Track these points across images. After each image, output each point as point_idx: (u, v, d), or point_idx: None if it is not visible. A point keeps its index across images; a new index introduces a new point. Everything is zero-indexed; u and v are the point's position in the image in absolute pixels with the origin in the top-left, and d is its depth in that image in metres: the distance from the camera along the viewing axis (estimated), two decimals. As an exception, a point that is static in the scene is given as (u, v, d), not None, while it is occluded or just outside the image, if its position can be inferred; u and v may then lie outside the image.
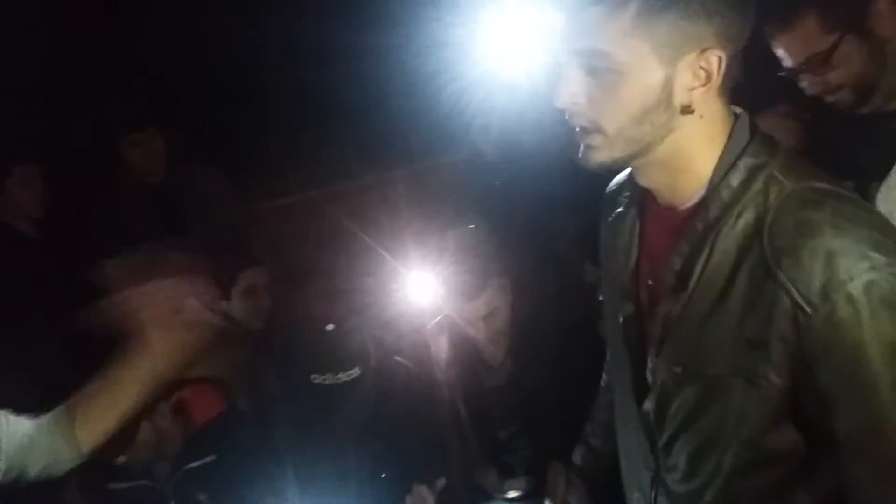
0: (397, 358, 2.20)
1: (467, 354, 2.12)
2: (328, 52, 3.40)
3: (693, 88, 0.94)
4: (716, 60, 0.93)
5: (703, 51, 0.92)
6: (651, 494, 1.12)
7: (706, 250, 0.97)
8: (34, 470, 1.17)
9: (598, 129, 0.96)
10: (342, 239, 2.82)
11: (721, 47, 0.93)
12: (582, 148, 1.00)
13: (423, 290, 2.27)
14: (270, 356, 2.34)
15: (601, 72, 0.94)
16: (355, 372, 2.00)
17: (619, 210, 1.15)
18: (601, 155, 0.98)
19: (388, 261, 2.38)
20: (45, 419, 1.18)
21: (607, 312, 1.19)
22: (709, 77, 0.94)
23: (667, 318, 1.02)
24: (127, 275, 1.19)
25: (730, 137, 0.99)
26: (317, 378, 1.98)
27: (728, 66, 0.94)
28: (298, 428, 2.10)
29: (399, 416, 2.11)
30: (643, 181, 1.06)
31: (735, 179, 0.97)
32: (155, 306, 1.15)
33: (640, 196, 1.11)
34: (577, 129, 0.99)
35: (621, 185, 1.18)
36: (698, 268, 0.98)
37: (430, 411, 2.14)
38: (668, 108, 0.94)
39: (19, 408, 1.19)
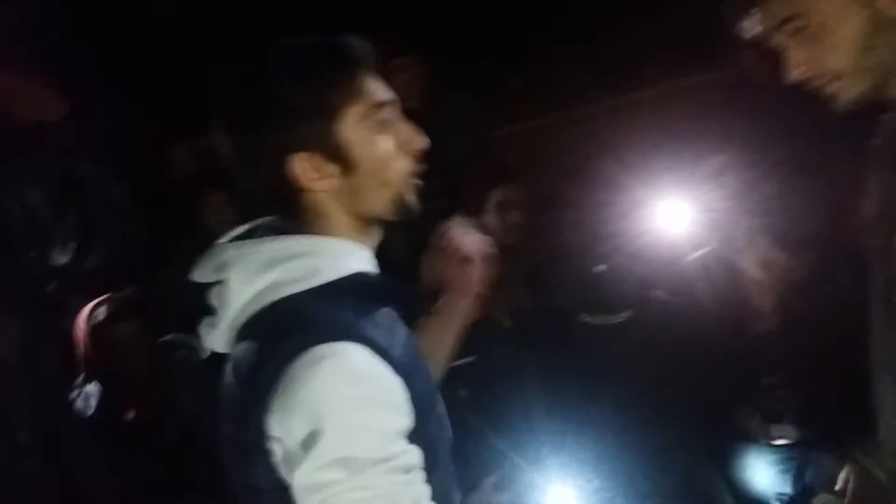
0: (657, 292, 2.14)
1: (735, 295, 2.00)
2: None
3: None
4: None
5: None
6: None
7: None
8: None
9: (836, 76, 0.95)
10: (586, 166, 2.75)
11: None
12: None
13: (680, 221, 2.16)
14: (525, 278, 2.38)
15: (803, 32, 0.93)
16: (626, 315, 2.00)
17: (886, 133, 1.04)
18: (846, 94, 0.96)
19: (637, 189, 2.28)
20: None
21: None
22: None
23: None
24: None
25: None
26: (586, 317, 2.01)
27: None
28: (550, 357, 2.13)
29: (659, 357, 2.06)
30: None
31: None
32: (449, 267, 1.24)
33: None
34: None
35: None
36: None
37: (690, 349, 2.07)
38: (886, 20, 0.89)
39: None
